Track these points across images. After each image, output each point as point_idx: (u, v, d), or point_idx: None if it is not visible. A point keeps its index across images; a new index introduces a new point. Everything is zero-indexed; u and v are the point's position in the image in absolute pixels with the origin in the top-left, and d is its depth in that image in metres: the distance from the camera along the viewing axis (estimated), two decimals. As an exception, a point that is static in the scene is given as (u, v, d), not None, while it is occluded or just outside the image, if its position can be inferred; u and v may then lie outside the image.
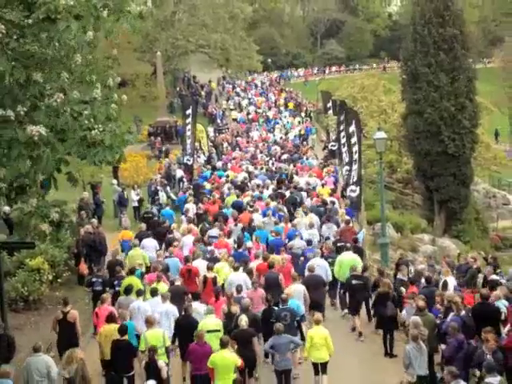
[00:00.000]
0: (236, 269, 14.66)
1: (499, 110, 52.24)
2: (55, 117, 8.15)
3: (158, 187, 25.61)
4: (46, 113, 8.09)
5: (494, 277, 14.95)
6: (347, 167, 25.91)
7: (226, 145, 39.25)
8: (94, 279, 15.25)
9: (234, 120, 51.72)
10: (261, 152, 36.22)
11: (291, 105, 58.34)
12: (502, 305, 12.71)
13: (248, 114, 53.45)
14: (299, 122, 49.07)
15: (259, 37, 78.75)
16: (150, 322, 11.83)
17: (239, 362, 10.77)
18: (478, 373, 10.66)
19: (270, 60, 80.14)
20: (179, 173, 28.89)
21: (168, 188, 26.88)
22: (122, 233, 19.70)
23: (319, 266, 15.24)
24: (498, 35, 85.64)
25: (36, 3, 7.75)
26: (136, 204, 25.05)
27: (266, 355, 12.96)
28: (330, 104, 43.88)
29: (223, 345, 10.78)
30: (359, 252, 17.24)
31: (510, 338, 11.09)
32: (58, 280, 17.33)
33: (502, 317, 12.42)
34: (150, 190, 25.88)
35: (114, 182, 26.33)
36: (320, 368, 11.98)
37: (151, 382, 10.22)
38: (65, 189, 9.89)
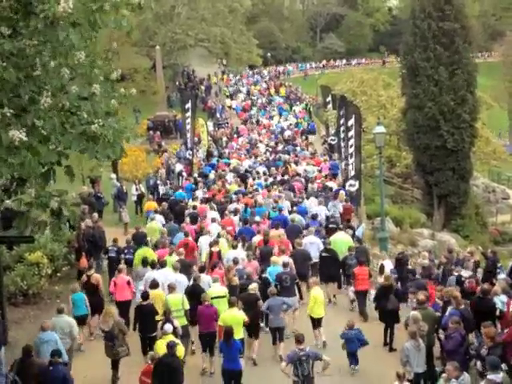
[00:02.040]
0: (235, 247, 16.14)
1: (498, 105, 52.18)
2: (46, 118, 8.09)
3: (158, 181, 25.60)
4: (38, 114, 8.02)
5: (464, 273, 14.94)
6: (346, 161, 25.99)
7: (225, 139, 39.29)
8: (110, 247, 17.34)
9: (229, 107, 53.36)
10: (260, 141, 37.53)
11: (283, 91, 60.22)
12: (499, 301, 12.68)
13: (242, 101, 55.08)
14: (294, 111, 51.10)
15: (258, 31, 78.62)
16: (171, 288, 13.19)
17: (246, 318, 12.28)
18: (479, 364, 10.68)
19: (269, 54, 80.00)
20: (178, 167, 28.89)
21: (168, 181, 26.96)
22: (147, 204, 22.37)
23: (312, 243, 16.90)
24: (498, 29, 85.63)
25: (35, 7, 7.70)
26: (135, 199, 25.00)
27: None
28: (329, 98, 43.92)
29: (232, 304, 12.43)
30: (352, 230, 18.96)
31: (510, 332, 11.07)
32: (57, 274, 17.28)
33: (497, 313, 12.40)
34: (148, 184, 25.84)
35: (113, 176, 26.27)
36: (317, 322, 13.77)
37: (168, 326, 11.39)
38: (63, 182, 9.87)
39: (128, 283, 14.50)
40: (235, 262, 14.89)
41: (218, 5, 55.27)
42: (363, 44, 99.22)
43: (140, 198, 25.05)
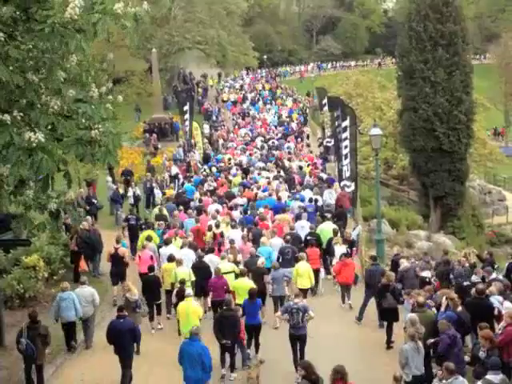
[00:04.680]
0: (233, 227, 18.65)
1: (495, 107, 52.29)
2: (55, 118, 8.13)
3: (154, 184, 25.57)
4: (44, 115, 8.05)
5: (425, 274, 15.37)
6: (340, 162, 26.06)
7: (221, 141, 39.33)
8: (129, 216, 20.79)
9: (224, 102, 55.72)
10: (259, 135, 39.88)
11: (268, 86, 63.24)
12: (496, 301, 12.72)
13: (236, 93, 58.33)
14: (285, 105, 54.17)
15: (254, 33, 78.64)
16: (179, 262, 15.30)
17: (254, 286, 13.91)
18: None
19: (265, 56, 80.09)
20: (174, 169, 28.88)
21: (164, 184, 26.96)
22: (167, 191, 25.19)
23: (302, 227, 19.01)
24: (494, 31, 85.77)
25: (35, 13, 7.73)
26: (132, 201, 24.94)
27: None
28: (325, 100, 43.93)
29: (242, 274, 14.44)
30: (343, 216, 21.49)
31: (507, 333, 11.08)
32: (54, 277, 17.27)
33: (495, 312, 12.43)
34: (145, 188, 25.80)
35: (109, 179, 26.25)
36: (303, 293, 14.97)
37: (188, 290, 13.54)
38: (60, 185, 9.89)
39: (151, 258, 16.39)
40: (231, 242, 17.08)
41: (214, 7, 55.31)
42: (359, 46, 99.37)
43: (137, 200, 25.01)
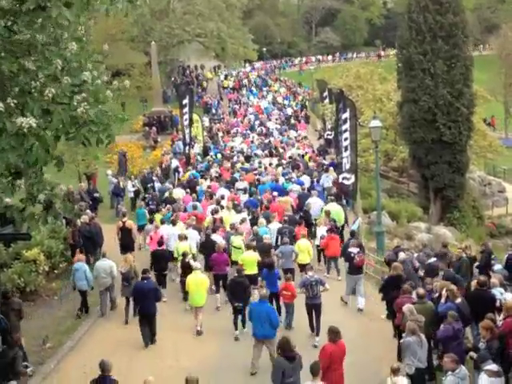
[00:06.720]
0: (238, 211, 19.96)
1: (495, 98, 52.14)
2: (47, 105, 8.06)
3: (154, 178, 25.55)
4: (37, 102, 8.00)
5: (352, 249, 15.94)
6: (340, 155, 26.01)
7: (220, 134, 39.31)
8: (147, 195, 23.47)
9: (225, 88, 58.91)
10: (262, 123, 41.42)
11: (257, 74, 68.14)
12: (498, 292, 12.73)
13: (233, 79, 61.91)
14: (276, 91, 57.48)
15: (254, 26, 78.61)
16: (181, 238, 16.97)
17: (260, 258, 15.72)
18: (475, 355, 10.72)
19: (264, 49, 79.95)
20: (174, 163, 28.83)
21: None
22: (185, 175, 26.62)
23: (315, 203, 20.69)
24: (494, 22, 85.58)
25: None
26: (132, 195, 24.96)
27: None
28: (326, 93, 43.87)
29: (249, 248, 16.09)
30: (339, 198, 22.82)
31: (506, 325, 11.09)
32: (55, 271, 17.30)
33: (497, 304, 12.44)
34: (144, 181, 25.75)
35: (109, 172, 26.22)
36: (303, 268, 16.37)
37: (196, 263, 15.11)
38: (58, 179, 9.88)
39: (161, 237, 17.71)
40: (231, 227, 18.11)
41: (213, 0, 55.15)
42: (359, 38, 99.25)
43: (137, 194, 25.02)
